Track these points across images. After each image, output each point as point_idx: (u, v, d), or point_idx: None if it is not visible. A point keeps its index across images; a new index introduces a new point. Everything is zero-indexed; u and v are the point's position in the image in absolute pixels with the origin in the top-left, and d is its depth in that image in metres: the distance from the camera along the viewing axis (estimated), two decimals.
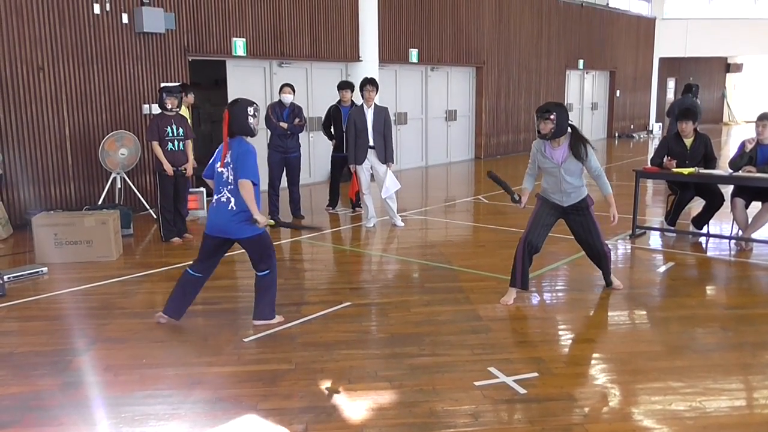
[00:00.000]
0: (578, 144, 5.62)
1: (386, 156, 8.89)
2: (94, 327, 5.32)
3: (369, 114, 8.85)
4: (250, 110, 5.06)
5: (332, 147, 10.18)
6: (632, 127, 25.38)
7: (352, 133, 8.91)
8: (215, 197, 5.12)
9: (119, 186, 9.29)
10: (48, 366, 4.56)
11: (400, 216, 9.36)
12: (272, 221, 5.21)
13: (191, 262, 5.40)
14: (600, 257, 6.04)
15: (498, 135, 18.11)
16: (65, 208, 9.10)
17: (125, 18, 9.57)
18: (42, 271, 6.78)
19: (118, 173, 9.21)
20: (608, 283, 6.24)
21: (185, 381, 4.33)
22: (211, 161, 5.24)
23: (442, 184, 14.26)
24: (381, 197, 9.03)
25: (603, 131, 24.25)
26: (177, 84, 9.03)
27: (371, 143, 8.86)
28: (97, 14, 9.28)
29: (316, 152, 13.06)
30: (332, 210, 10.25)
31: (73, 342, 5.00)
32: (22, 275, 6.60)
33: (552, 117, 5.51)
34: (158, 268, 7.07)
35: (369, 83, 8.90)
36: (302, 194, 10.09)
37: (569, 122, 5.66)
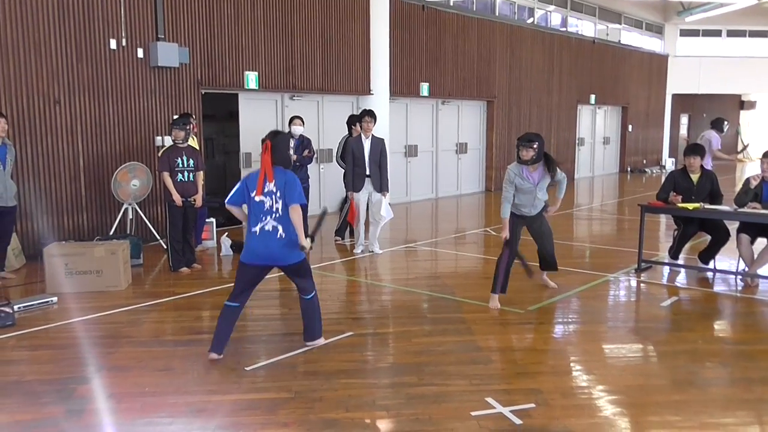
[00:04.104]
0: (552, 167, 6.60)
1: (382, 185, 9.18)
2: (100, 356, 5.39)
3: (366, 144, 9.15)
4: (292, 143, 5.21)
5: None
6: (645, 162, 25.41)
7: (350, 162, 9.22)
8: (257, 226, 5.13)
9: (131, 216, 9.44)
10: (53, 394, 4.63)
11: (404, 246, 9.68)
12: (311, 241, 5.34)
13: (229, 297, 5.37)
14: (550, 256, 7.17)
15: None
16: (78, 238, 9.24)
17: (140, 53, 9.81)
18: (52, 300, 6.88)
19: (129, 204, 9.36)
20: (543, 269, 7.40)
21: (186, 409, 4.39)
22: (236, 189, 5.28)
23: (452, 215, 14.33)
24: (373, 221, 9.38)
25: (615, 166, 24.29)
26: (178, 117, 9.19)
27: (368, 172, 9.15)
28: (114, 49, 9.52)
29: (326, 183, 13.20)
30: (341, 241, 10.34)
31: (78, 370, 5.07)
32: (32, 305, 6.70)
33: (535, 146, 6.40)
34: (165, 298, 7.15)
35: (368, 115, 9.25)
36: (312, 224, 10.19)
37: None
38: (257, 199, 5.16)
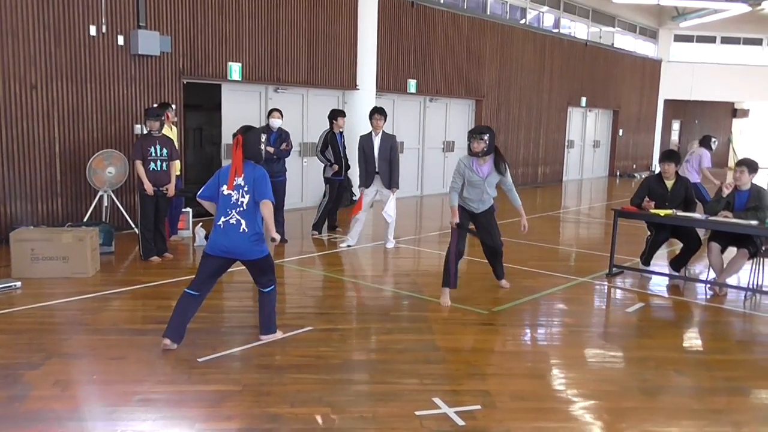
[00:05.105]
0: (500, 162, 6.73)
1: (391, 182, 9.33)
2: (54, 342, 5.37)
3: (376, 141, 9.33)
4: (263, 137, 5.34)
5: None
6: (634, 166, 25.41)
7: (361, 159, 9.40)
8: (222, 219, 5.19)
9: (106, 204, 9.40)
10: (0, 379, 4.62)
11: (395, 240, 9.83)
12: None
13: (189, 285, 5.38)
14: (497, 252, 7.20)
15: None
16: (52, 224, 9.20)
17: (121, 40, 9.75)
18: (15, 285, 6.84)
19: (105, 191, 9.32)
20: (499, 277, 7.42)
21: (131, 398, 4.37)
22: (208, 183, 5.35)
23: (437, 213, 14.31)
24: (385, 218, 9.57)
25: (604, 170, 24.30)
26: (157, 106, 9.19)
27: (376, 169, 9.32)
28: (93, 36, 9.46)
29: (308, 177, 13.19)
30: (317, 235, 10.32)
31: (30, 356, 5.05)
32: None
33: (485, 138, 6.54)
34: (131, 286, 7.13)
35: (377, 112, 9.45)
36: (294, 218, 10.24)
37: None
38: (226, 192, 5.21)
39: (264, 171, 5.29)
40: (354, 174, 11.50)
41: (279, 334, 5.58)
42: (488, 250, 7.24)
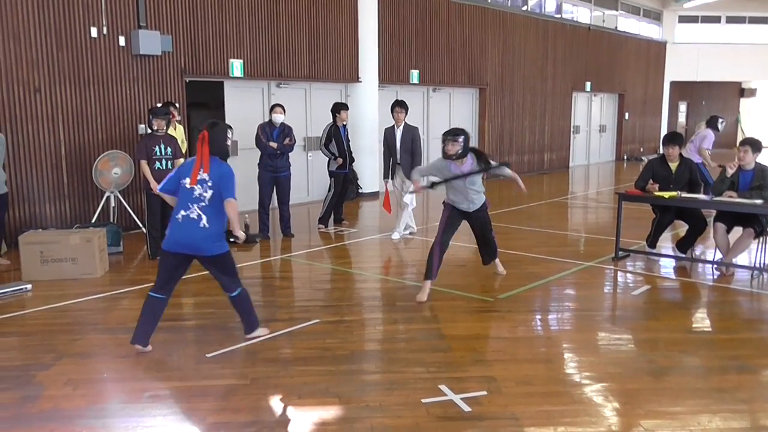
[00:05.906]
0: (481, 158, 6.60)
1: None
2: (65, 342, 5.44)
3: (398, 133, 9.54)
4: (230, 133, 5.23)
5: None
6: (641, 150, 25.32)
7: (386, 151, 9.67)
8: (181, 213, 5.06)
9: (113, 205, 9.48)
10: (12, 380, 4.68)
11: (390, 234, 9.85)
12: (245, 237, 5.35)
13: (153, 285, 5.35)
14: (491, 248, 7.18)
15: (501, 156, 18.11)
16: (60, 226, 9.27)
17: (122, 41, 9.80)
18: (26, 288, 6.92)
19: (111, 192, 9.39)
20: (486, 263, 7.37)
21: (141, 395, 4.43)
22: (170, 176, 5.26)
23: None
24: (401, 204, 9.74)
25: (611, 154, 24.21)
26: (161, 105, 9.23)
27: (398, 160, 9.53)
28: (95, 37, 9.51)
29: (314, 171, 13.21)
30: (324, 228, 10.37)
31: (41, 357, 5.12)
32: (5, 292, 6.74)
33: (460, 140, 6.39)
34: (139, 285, 7.18)
35: (398, 105, 9.66)
36: (300, 213, 10.32)
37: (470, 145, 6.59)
38: (188, 186, 5.09)
39: (230, 169, 5.14)
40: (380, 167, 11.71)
41: (262, 331, 5.54)
42: (482, 244, 7.21)
